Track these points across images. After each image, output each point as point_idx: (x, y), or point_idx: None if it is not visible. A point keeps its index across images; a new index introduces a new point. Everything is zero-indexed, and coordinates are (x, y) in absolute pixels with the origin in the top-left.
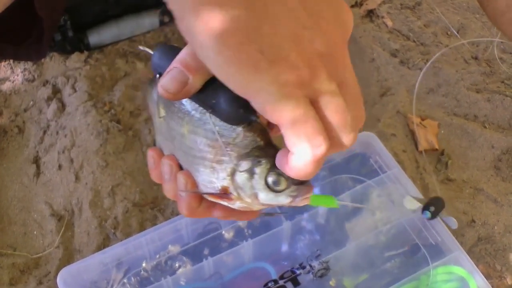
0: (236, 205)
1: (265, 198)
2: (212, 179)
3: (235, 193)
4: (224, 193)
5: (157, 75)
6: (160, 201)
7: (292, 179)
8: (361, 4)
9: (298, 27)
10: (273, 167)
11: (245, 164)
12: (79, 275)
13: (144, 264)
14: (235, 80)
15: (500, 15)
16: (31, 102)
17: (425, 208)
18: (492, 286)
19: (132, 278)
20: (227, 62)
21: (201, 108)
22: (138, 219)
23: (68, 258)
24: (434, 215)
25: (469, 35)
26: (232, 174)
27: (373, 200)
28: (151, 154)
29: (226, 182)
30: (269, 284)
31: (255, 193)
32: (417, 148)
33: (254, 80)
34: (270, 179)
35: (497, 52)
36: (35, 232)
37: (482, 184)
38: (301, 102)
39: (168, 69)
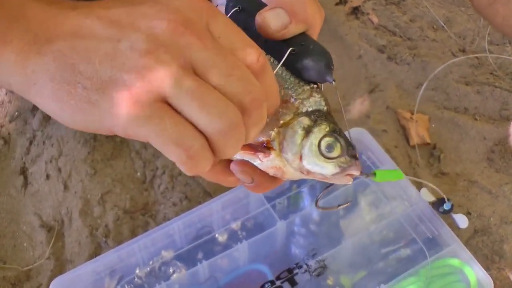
0: (265, 164)
1: (311, 161)
2: None
3: (276, 148)
4: (263, 146)
5: (237, 8)
6: (151, 207)
7: (348, 149)
8: (345, 2)
9: (111, 45)
10: (331, 132)
11: (305, 121)
12: (72, 285)
13: (137, 271)
14: (91, 125)
15: (487, 5)
16: (16, 113)
17: (442, 200)
18: (491, 278)
19: (126, 286)
20: (71, 114)
21: (268, 55)
22: (130, 226)
23: (59, 268)
24: (450, 211)
25: (455, 28)
26: (283, 127)
27: (367, 196)
28: None
29: (272, 135)
30: (266, 285)
31: (301, 153)
32: (408, 143)
33: (100, 114)
34: (325, 142)
35: (484, 43)
36: (25, 244)
37: (476, 176)
38: (152, 112)
39: (271, 6)
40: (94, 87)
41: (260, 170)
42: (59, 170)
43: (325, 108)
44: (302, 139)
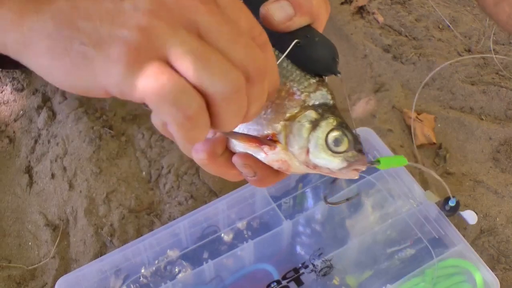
0: (270, 157)
1: (318, 155)
2: (260, 122)
3: (282, 142)
4: (269, 139)
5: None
6: (156, 206)
7: (355, 144)
8: (351, 1)
9: (114, 4)
10: (338, 126)
11: (312, 114)
12: (77, 284)
13: (143, 270)
14: (83, 84)
15: (493, 4)
16: (21, 112)
17: (448, 199)
18: (497, 278)
19: (131, 285)
20: (64, 71)
21: (273, 48)
22: (135, 225)
23: (64, 268)
24: (456, 208)
25: (461, 28)
26: (290, 120)
27: (373, 196)
28: None
29: (278, 128)
30: (272, 285)
31: (308, 147)
32: (414, 143)
33: (95, 71)
34: (332, 136)
35: (490, 43)
36: (30, 243)
37: (482, 176)
38: (150, 69)
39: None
40: (92, 43)
41: (262, 163)
42: (64, 169)
43: (332, 102)
44: (309, 133)
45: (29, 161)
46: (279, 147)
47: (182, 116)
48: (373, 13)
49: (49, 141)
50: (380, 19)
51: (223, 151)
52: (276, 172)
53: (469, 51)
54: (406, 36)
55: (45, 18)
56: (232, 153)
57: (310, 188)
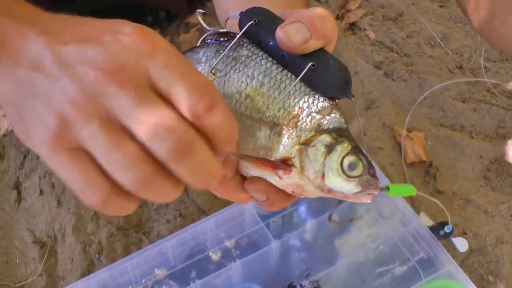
0: (284, 181)
1: (334, 180)
2: (272, 146)
3: (297, 166)
4: (283, 163)
5: (253, 22)
6: (145, 223)
7: (369, 169)
8: (342, 17)
9: (50, 83)
10: (353, 150)
11: (327, 138)
12: None
13: None
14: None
15: (484, 23)
16: (11, 127)
17: (443, 224)
18: None
19: None
20: (17, 133)
21: (285, 70)
22: (123, 243)
23: (52, 286)
24: (450, 234)
25: (452, 45)
26: (305, 144)
27: (362, 215)
28: None
29: (292, 151)
30: None
31: (323, 171)
32: (404, 161)
33: (33, 146)
34: (347, 161)
35: (481, 60)
36: (17, 260)
37: (472, 195)
38: (67, 158)
39: (291, 21)
40: (30, 123)
41: (275, 188)
42: (53, 185)
43: (345, 125)
44: (325, 157)
45: (18, 177)
46: (294, 171)
47: (94, 203)
48: (365, 30)
49: (38, 157)
50: (372, 35)
51: (234, 175)
52: (288, 196)
53: (460, 68)
54: (397, 52)
55: (10, 84)
56: (242, 176)
57: (298, 208)
